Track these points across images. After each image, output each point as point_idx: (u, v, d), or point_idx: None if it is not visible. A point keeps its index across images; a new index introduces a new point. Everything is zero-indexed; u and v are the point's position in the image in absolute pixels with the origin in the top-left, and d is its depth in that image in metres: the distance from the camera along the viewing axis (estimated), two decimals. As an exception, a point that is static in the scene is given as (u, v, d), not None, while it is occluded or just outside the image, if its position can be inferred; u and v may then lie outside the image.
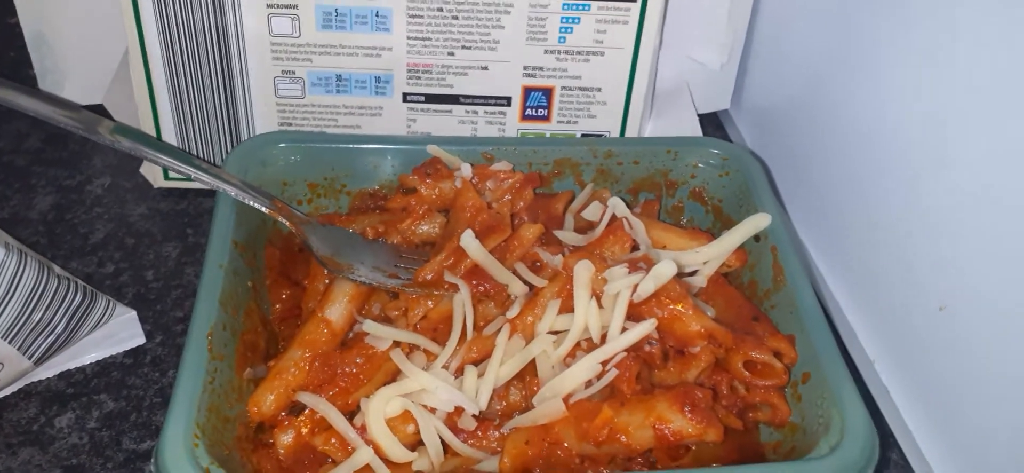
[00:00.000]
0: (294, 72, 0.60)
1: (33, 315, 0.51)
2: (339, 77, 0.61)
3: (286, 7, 0.57)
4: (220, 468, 0.40)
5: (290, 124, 0.63)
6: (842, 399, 0.45)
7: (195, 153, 0.63)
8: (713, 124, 0.76)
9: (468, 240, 0.50)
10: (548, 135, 0.65)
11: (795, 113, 0.68)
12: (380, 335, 0.48)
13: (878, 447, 0.43)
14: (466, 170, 0.54)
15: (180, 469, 0.40)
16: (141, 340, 0.57)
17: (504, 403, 0.49)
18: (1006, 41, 0.47)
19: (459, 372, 0.48)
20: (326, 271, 0.52)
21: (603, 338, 0.48)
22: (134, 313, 0.57)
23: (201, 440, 0.41)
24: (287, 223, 0.53)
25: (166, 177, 0.66)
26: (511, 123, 0.65)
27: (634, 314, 0.48)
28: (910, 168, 0.54)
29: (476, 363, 0.49)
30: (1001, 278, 0.48)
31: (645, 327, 0.46)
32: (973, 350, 0.50)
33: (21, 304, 0.50)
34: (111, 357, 0.56)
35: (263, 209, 0.52)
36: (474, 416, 0.47)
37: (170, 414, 0.42)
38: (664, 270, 0.47)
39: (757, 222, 0.53)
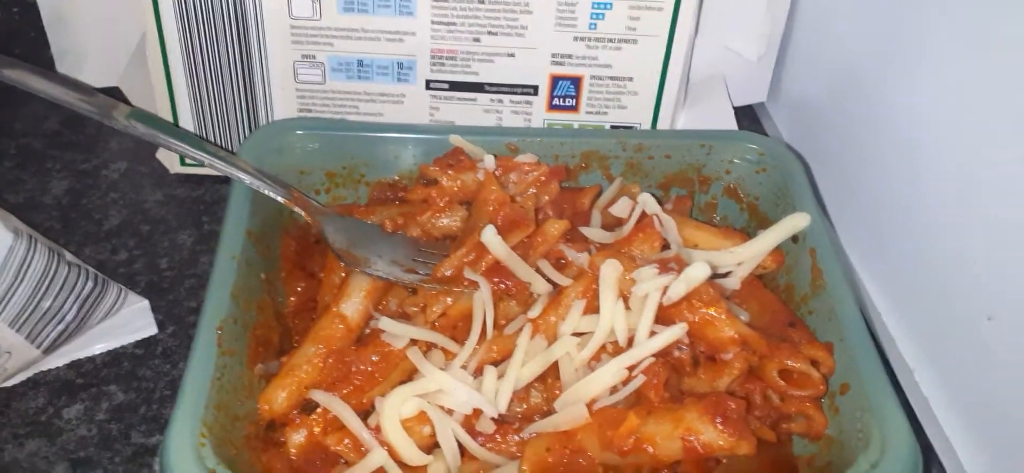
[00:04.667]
0: (314, 56, 0.58)
1: (42, 303, 0.49)
2: (361, 62, 0.59)
3: (307, -11, 0.55)
4: (227, 468, 0.39)
5: (310, 110, 0.61)
6: (883, 413, 0.42)
7: (212, 139, 0.62)
8: (749, 117, 0.73)
9: (490, 236, 0.48)
10: (576, 126, 0.63)
11: (835, 108, 0.65)
12: (397, 333, 0.46)
13: (922, 467, 0.41)
14: (489, 162, 0.52)
15: (185, 469, 0.38)
16: (153, 330, 0.55)
17: (524, 405, 0.47)
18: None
19: (478, 372, 0.46)
20: (342, 264, 0.50)
21: (630, 342, 0.45)
22: (146, 302, 0.56)
23: (208, 439, 0.40)
24: (303, 214, 0.51)
25: (183, 163, 0.64)
26: (537, 113, 0.62)
27: (663, 317, 0.45)
28: (958, 169, 0.51)
29: (496, 363, 0.47)
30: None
31: (675, 331, 0.44)
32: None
33: (30, 291, 0.48)
34: (122, 347, 0.54)
35: (279, 199, 0.50)
36: (493, 419, 0.45)
37: (176, 412, 0.40)
38: (697, 272, 0.44)
39: (796, 222, 0.51)
